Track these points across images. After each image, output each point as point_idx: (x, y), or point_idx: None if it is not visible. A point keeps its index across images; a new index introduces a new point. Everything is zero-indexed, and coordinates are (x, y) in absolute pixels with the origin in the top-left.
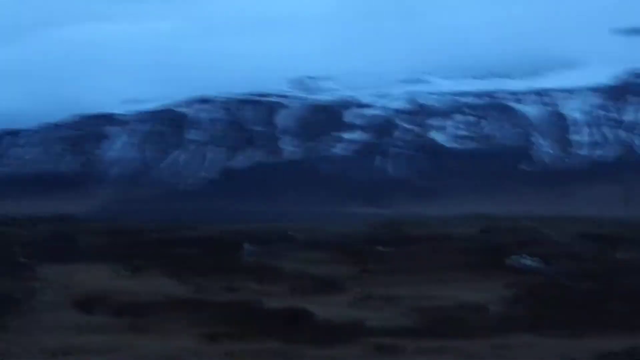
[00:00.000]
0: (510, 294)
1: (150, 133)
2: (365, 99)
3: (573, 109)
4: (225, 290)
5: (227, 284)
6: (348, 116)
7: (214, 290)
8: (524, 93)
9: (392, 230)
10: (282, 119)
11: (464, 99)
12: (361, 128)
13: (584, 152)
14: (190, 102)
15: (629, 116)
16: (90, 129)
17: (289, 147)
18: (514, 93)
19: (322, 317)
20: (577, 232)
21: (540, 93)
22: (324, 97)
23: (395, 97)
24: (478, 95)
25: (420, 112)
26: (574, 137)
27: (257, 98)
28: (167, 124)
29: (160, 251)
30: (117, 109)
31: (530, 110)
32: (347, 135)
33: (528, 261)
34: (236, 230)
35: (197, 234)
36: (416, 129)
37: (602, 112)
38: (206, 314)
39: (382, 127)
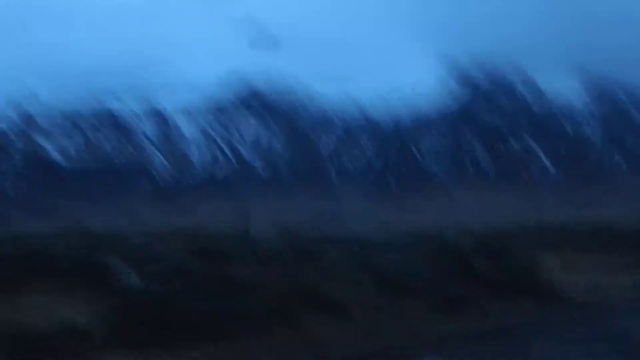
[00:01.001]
0: (115, 315)
1: None
2: None
3: (189, 126)
4: None
5: None
6: None
7: None
8: (141, 110)
9: None
10: None
11: (79, 116)
12: None
13: (198, 167)
14: None
15: (243, 132)
16: None
17: None
18: (130, 110)
19: None
20: (190, 249)
21: (156, 110)
22: None
23: (5, 113)
24: (94, 112)
25: (32, 129)
26: (189, 154)
27: None
28: None
29: None
30: None
31: (147, 127)
32: None
33: (136, 280)
34: None
35: None
36: (28, 146)
37: (217, 129)
38: None
39: None
